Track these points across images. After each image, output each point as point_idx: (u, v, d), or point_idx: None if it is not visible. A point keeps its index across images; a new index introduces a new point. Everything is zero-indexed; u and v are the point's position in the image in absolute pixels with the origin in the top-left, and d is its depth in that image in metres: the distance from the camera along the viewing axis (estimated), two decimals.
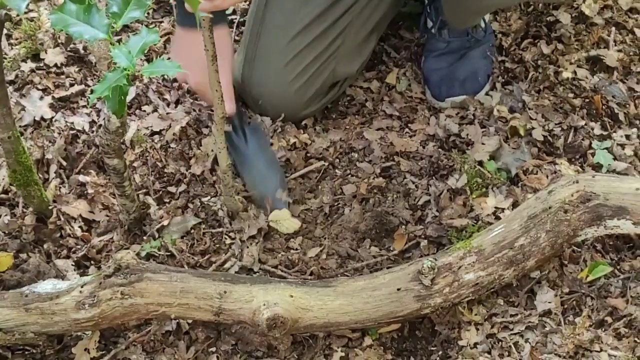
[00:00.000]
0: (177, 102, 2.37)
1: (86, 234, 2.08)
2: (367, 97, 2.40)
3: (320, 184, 2.20)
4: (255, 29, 2.32)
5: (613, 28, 2.50)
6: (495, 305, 1.94)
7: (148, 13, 2.49)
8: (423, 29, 2.52)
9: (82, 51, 2.44)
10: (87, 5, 1.15)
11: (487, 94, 2.37)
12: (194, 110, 2.34)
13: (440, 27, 2.44)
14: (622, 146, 2.23)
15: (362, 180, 2.20)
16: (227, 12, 2.45)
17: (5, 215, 2.09)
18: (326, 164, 2.25)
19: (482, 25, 2.42)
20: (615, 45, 2.46)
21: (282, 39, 2.26)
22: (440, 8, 2.38)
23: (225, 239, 2.09)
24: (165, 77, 2.34)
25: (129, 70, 1.29)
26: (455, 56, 2.42)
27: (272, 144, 2.26)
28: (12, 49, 2.45)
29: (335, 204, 2.17)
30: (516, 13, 2.50)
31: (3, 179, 2.15)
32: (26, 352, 1.89)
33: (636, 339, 1.88)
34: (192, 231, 2.10)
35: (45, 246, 2.04)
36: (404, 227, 2.09)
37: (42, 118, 2.29)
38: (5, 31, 1.99)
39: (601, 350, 1.87)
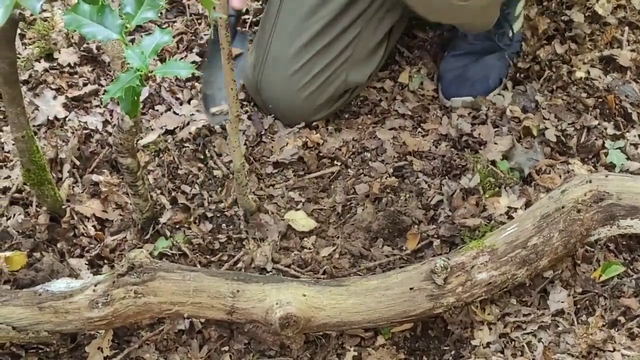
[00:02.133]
0: (190, 101, 2.37)
1: (99, 233, 2.08)
2: (380, 96, 2.40)
3: (333, 184, 2.20)
4: (267, 33, 2.32)
5: (626, 28, 2.50)
6: (508, 305, 1.94)
7: (161, 13, 2.49)
8: (450, 27, 2.52)
9: (95, 51, 2.45)
10: (101, 6, 1.16)
11: (499, 93, 2.37)
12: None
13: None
14: (636, 146, 2.23)
15: (374, 180, 2.20)
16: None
17: (19, 214, 2.10)
18: (339, 165, 2.25)
19: (510, 33, 2.41)
20: (629, 45, 2.46)
21: (291, 47, 2.27)
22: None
23: (239, 238, 2.09)
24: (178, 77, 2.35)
25: (142, 71, 1.29)
26: (473, 58, 2.43)
27: (287, 144, 2.27)
28: (25, 48, 2.46)
29: (348, 203, 2.17)
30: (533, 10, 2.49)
31: (17, 178, 2.15)
32: (40, 351, 1.89)
33: None
34: (205, 230, 2.11)
35: (58, 245, 2.04)
36: (416, 226, 2.09)
37: (56, 117, 2.30)
38: (18, 31, 2.00)
39: (614, 350, 1.87)
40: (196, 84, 2.41)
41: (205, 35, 2.53)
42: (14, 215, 2.10)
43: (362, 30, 2.29)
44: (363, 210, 2.13)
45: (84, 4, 1.12)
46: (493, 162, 2.18)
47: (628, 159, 2.20)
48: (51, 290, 1.82)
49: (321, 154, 2.25)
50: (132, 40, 1.22)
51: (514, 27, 2.39)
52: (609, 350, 1.87)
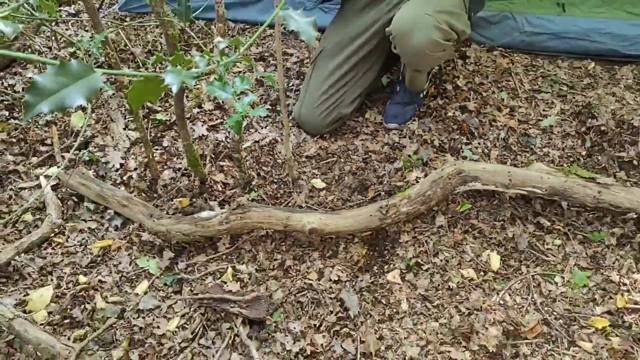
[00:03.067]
0: (266, 127, 2.38)
1: (224, 189, 2.10)
2: (356, 123, 2.38)
3: (334, 166, 2.20)
4: (304, 88, 2.31)
5: (472, 92, 2.48)
6: (416, 223, 1.95)
7: (252, 86, 2.50)
8: (392, 89, 2.46)
9: (221, 103, 2.46)
10: (224, 82, 1.17)
11: (411, 122, 2.34)
12: (277, 128, 2.35)
13: (401, 90, 2.37)
14: (476, 148, 2.23)
15: (353, 164, 2.19)
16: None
17: (186, 181, 2.12)
18: (336, 157, 2.24)
19: (423, 92, 2.39)
20: (472, 101, 2.44)
21: (316, 95, 2.25)
22: (404, 80, 2.33)
23: (289, 192, 2.10)
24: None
25: (243, 113, 1.31)
26: (401, 105, 2.36)
27: (311, 147, 2.28)
28: (188, 101, 2.47)
29: (340, 174, 2.16)
30: (430, 86, 2.47)
31: (185, 163, 2.17)
32: (196, 244, 1.93)
33: (483, 240, 1.90)
34: (273, 188, 2.12)
35: (204, 195, 2.06)
36: (373, 186, 2.09)
37: (202, 135, 2.31)
38: (185, 92, 2.02)
39: (467, 244, 1.89)
40: (268, 119, 2.41)
41: (272, 94, 2.51)
42: (184, 181, 2.12)
43: (349, 88, 2.27)
44: (347, 178, 2.13)
45: (216, 82, 1.13)
46: (409, 155, 2.18)
47: (473, 154, 2.20)
48: (201, 216, 1.86)
49: (328, 151, 2.26)
50: (239, 97, 1.22)
51: (423, 92, 2.38)
52: (464, 245, 1.89)
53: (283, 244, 1.91)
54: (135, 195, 2.02)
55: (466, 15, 2.11)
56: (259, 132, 2.33)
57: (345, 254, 1.88)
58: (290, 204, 2.04)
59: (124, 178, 2.13)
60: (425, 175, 2.07)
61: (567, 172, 1.84)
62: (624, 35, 2.54)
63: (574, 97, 2.42)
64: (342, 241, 1.91)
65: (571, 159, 2.15)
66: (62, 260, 1.87)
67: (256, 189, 2.09)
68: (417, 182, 2.02)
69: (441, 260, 1.84)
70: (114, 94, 2.45)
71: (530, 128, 2.30)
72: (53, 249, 1.91)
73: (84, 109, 2.35)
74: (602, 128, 2.20)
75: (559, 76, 2.54)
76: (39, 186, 2.09)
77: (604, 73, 2.55)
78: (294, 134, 2.32)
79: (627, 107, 2.32)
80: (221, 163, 2.18)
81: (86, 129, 2.29)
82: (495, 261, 1.83)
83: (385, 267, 1.85)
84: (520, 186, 1.84)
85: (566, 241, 1.87)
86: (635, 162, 2.09)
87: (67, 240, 1.93)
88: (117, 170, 2.16)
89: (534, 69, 2.60)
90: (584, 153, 2.17)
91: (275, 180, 2.14)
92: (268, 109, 2.44)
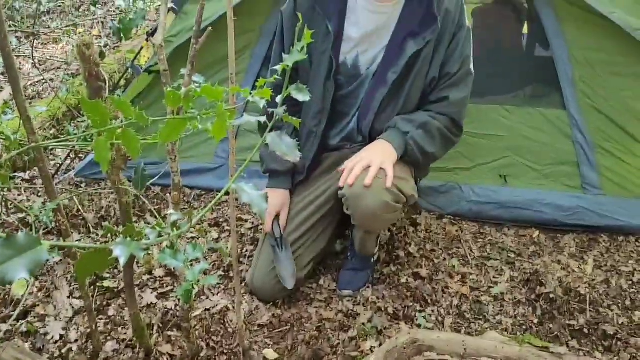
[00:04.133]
0: (218, 293, 2.33)
1: None
2: (310, 290, 2.37)
3: (287, 335, 2.14)
4: (259, 247, 2.34)
5: (424, 259, 2.55)
6: None
7: (206, 252, 2.51)
8: (346, 255, 2.49)
9: (173, 270, 2.43)
10: (175, 250, 1.18)
11: (365, 289, 2.36)
12: (229, 295, 2.31)
13: (352, 256, 2.41)
14: (430, 316, 2.24)
15: (307, 333, 2.14)
16: None
17: (129, 353, 2.01)
18: (288, 326, 2.20)
19: (375, 257, 2.43)
20: (424, 267, 2.49)
21: (270, 256, 2.26)
22: (354, 246, 2.38)
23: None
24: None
25: (192, 282, 1.31)
26: (355, 272, 2.38)
27: (264, 315, 2.23)
28: (138, 268, 2.44)
29: (294, 343, 2.09)
30: (382, 252, 2.53)
31: (131, 334, 2.08)
32: None
33: None
34: None
35: None
36: (328, 356, 2.03)
37: (151, 303, 2.25)
38: (136, 259, 2.02)
39: None
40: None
41: (226, 261, 2.51)
42: (127, 353, 2.01)
43: (302, 252, 2.30)
44: (301, 348, 2.07)
45: (167, 249, 1.15)
46: (363, 324, 2.16)
47: (427, 322, 2.20)
48: None
49: (281, 319, 2.21)
50: (191, 264, 1.23)
51: (374, 258, 2.43)
52: None
53: None
54: None
55: (413, 181, 2.24)
56: (210, 300, 2.29)
57: None
58: None
59: (63, 351, 2.02)
60: (380, 345, 2.04)
61: (520, 341, 1.86)
62: (563, 205, 2.73)
63: (522, 265, 2.52)
64: None
65: (524, 327, 2.18)
66: None
67: None
68: (372, 351, 1.99)
69: None
70: (60, 260, 2.42)
71: (482, 295, 2.34)
72: None
73: None
74: (551, 296, 2.27)
75: (506, 244, 2.66)
76: None
77: (548, 241, 2.69)
78: (246, 302, 2.29)
79: (573, 274, 2.42)
80: (169, 333, 2.10)
81: (27, 297, 2.22)
82: None
83: None
84: (475, 356, 1.84)
85: None
86: (585, 331, 2.13)
87: None
88: (56, 342, 2.06)
89: (482, 236, 2.72)
90: (535, 321, 2.20)
91: (226, 352, 2.06)
92: (221, 275, 2.42)
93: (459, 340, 1.86)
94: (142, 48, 3.28)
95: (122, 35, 2.43)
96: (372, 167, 2.03)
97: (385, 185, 2.02)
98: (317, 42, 2.14)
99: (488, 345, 1.84)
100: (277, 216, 2.31)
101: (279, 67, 1.13)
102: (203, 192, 3.04)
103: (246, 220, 2.79)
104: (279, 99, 1.14)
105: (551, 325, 2.16)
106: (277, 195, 2.32)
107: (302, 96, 1.14)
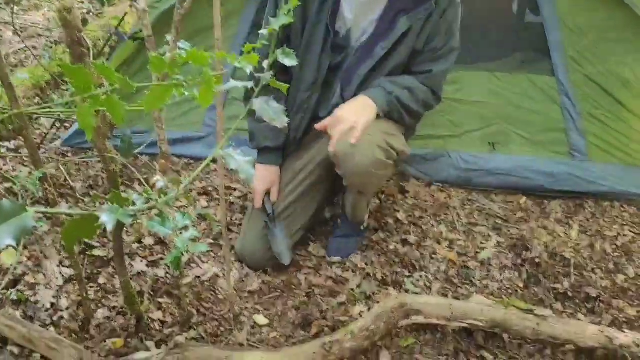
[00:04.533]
0: (207, 262, 2.35)
1: (162, 328, 2.00)
2: (299, 257, 2.39)
3: (276, 301, 2.16)
4: (248, 215, 2.35)
5: (412, 225, 2.57)
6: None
7: (193, 222, 2.50)
8: (335, 222, 2.51)
9: (163, 238, 2.43)
10: (164, 218, 1.19)
11: (355, 256, 2.38)
12: (220, 263, 2.33)
13: (342, 223, 2.43)
14: (417, 281, 2.27)
15: (296, 299, 2.17)
16: None
17: (121, 320, 2.02)
18: (278, 292, 2.22)
19: (364, 225, 2.45)
20: (413, 234, 2.52)
21: (260, 224, 2.28)
22: (345, 212, 2.39)
23: (230, 330, 2.05)
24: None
25: (182, 249, 1.32)
26: (344, 239, 2.41)
27: (254, 282, 2.25)
28: (128, 236, 2.44)
29: (284, 309, 2.12)
30: (371, 220, 2.54)
31: (122, 302, 2.09)
32: None
33: None
34: (214, 325, 2.06)
35: (140, 335, 1.95)
36: (317, 321, 2.05)
37: (141, 271, 2.24)
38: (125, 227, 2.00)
39: None
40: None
41: (215, 228, 2.51)
42: (119, 320, 2.03)
43: (292, 221, 2.31)
44: (290, 314, 2.09)
45: (156, 217, 1.16)
46: (352, 289, 2.19)
47: (415, 287, 2.23)
48: (135, 358, 1.75)
49: (270, 286, 2.23)
50: (180, 232, 1.24)
51: (364, 225, 2.44)
52: None
53: None
54: (65, 337, 1.92)
55: (403, 138, 2.24)
56: (200, 267, 2.30)
57: None
58: (231, 342, 1.97)
59: (54, 318, 2.03)
60: (369, 309, 2.06)
61: (506, 304, 1.90)
62: (550, 172, 2.75)
63: (509, 230, 2.55)
64: None
65: (509, 291, 2.22)
66: None
67: (196, 327, 2.01)
68: (361, 316, 2.02)
69: None
70: (49, 229, 2.41)
71: (469, 260, 2.38)
72: None
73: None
74: (537, 260, 2.31)
75: (493, 210, 2.69)
76: None
77: (535, 207, 2.72)
78: (236, 269, 2.30)
79: (558, 239, 2.46)
80: (160, 300, 2.11)
81: (16, 266, 2.22)
82: None
83: None
84: (461, 319, 1.88)
85: None
86: (569, 294, 2.17)
87: None
88: (47, 310, 2.07)
89: (470, 203, 2.75)
90: (521, 285, 2.25)
91: (217, 317, 2.07)
92: (210, 243, 2.43)
93: (446, 304, 1.90)
94: (125, 14, 3.22)
95: (104, 1, 2.38)
96: (357, 128, 2.01)
97: (352, 140, 2.00)
98: (312, 13, 2.11)
99: (474, 308, 1.88)
100: (268, 193, 2.32)
101: (265, 32, 1.12)
102: (192, 161, 3.03)
103: (235, 189, 2.79)
104: (265, 63, 1.14)
105: (536, 289, 2.20)
106: (268, 172, 2.30)
107: (289, 61, 1.13)
